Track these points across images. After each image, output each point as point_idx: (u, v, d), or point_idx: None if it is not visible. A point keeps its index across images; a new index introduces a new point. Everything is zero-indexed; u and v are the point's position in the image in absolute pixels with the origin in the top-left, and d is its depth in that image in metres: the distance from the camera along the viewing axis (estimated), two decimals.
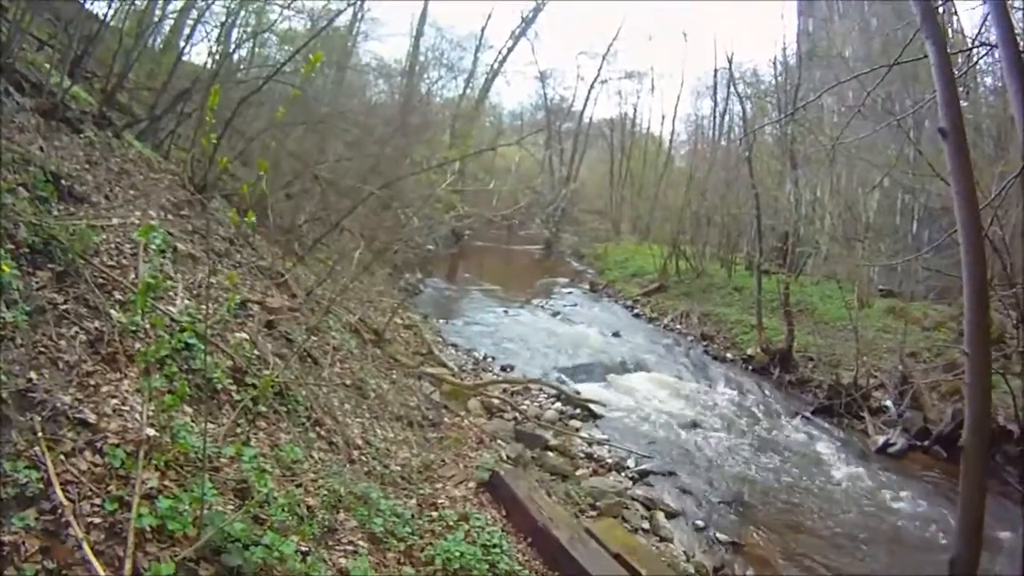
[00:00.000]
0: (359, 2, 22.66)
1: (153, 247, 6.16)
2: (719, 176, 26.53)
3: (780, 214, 20.33)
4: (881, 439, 11.58)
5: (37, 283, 4.38)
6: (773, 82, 27.32)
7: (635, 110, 46.64)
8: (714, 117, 35.05)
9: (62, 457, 3.36)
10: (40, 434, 3.35)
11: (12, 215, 4.52)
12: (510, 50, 42.36)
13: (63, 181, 6.03)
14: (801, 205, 21.16)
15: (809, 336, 16.25)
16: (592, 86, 43.44)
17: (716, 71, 32.64)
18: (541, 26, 44.35)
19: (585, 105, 43.99)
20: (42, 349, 3.96)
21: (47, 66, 8.20)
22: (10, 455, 3.13)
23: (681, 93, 48.29)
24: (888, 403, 12.76)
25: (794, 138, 17.76)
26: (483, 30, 42.05)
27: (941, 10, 7.66)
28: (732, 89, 28.29)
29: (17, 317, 3.82)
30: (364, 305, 12.26)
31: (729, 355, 16.96)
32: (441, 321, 17.11)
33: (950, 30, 14.58)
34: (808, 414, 12.87)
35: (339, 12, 20.76)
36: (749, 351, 16.43)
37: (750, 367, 15.85)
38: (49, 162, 6.08)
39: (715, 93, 34.12)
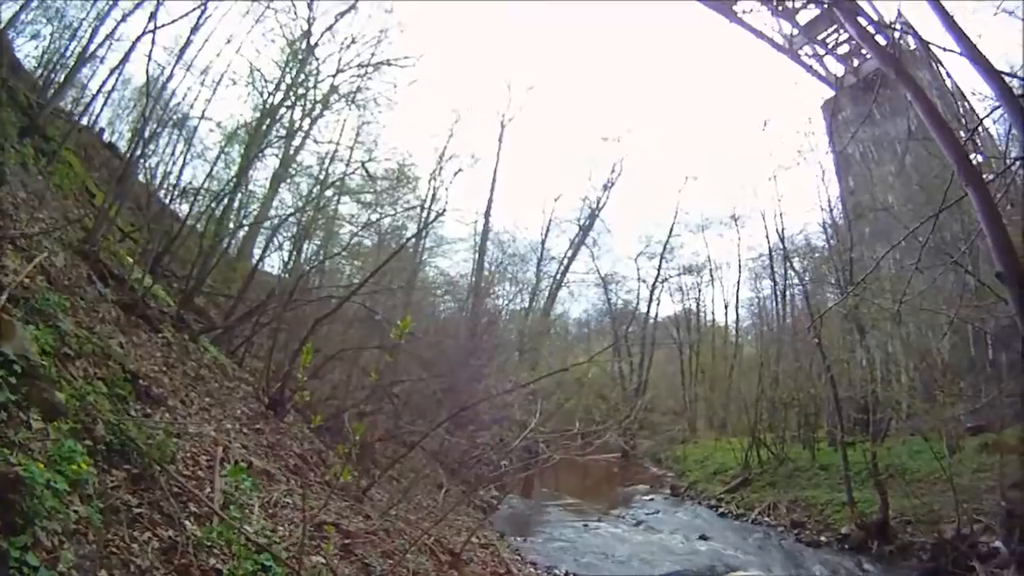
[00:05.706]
0: (427, 227, 24.08)
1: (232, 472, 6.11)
2: (789, 357, 26.32)
3: (855, 383, 19.92)
4: None
5: (112, 482, 4.35)
6: (826, 246, 27.68)
7: (698, 304, 46.46)
8: (775, 296, 34.43)
9: None
10: None
11: (92, 410, 4.57)
12: (571, 259, 43.73)
13: (141, 381, 6.20)
14: (875, 369, 20.74)
15: (904, 499, 15.43)
16: (653, 287, 43.80)
17: (770, 251, 32.28)
18: (599, 231, 45.36)
19: (649, 306, 44.33)
20: (114, 550, 3.88)
21: (129, 260, 8.70)
22: None
23: (740, 278, 48.36)
24: (998, 544, 11.98)
25: (857, 305, 17.57)
26: (543, 243, 43.71)
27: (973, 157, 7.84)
28: (788, 265, 28.82)
29: (91, 514, 3.73)
30: (439, 525, 11.78)
31: (823, 538, 16.27)
32: (519, 539, 16.19)
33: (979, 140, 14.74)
34: None
35: (410, 238, 22.15)
36: (843, 530, 15.84)
37: (847, 546, 15.19)
38: (128, 360, 6.25)
39: (772, 273, 33.56)
